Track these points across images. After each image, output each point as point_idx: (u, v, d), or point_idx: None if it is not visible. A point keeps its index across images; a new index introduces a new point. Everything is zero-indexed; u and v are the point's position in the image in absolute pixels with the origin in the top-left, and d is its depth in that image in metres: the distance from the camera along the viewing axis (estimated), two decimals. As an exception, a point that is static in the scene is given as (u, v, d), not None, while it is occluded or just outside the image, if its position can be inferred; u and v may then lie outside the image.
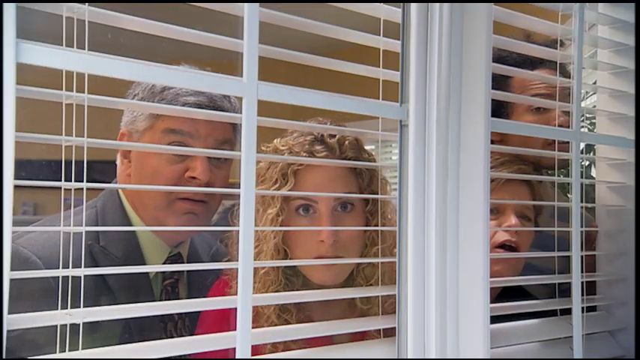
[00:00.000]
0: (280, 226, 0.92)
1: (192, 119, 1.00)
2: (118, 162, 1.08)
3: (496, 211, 1.11)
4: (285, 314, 0.94)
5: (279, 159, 0.94)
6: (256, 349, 0.82)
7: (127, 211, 1.04)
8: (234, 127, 1.07)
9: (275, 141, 0.98)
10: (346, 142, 0.96)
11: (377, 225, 0.95)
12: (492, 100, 1.12)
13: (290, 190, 0.92)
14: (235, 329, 0.68)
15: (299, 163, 0.93)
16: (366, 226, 0.96)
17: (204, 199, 1.02)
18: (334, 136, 0.95)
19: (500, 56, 1.17)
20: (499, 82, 1.22)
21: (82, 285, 0.64)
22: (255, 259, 0.92)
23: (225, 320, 0.83)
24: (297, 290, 0.94)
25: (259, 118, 0.69)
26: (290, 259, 0.94)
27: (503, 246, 1.09)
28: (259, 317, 0.93)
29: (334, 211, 0.94)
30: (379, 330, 0.88)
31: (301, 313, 0.96)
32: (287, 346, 0.88)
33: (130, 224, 1.04)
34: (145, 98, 1.01)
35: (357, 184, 0.96)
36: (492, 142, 1.27)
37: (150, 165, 1.01)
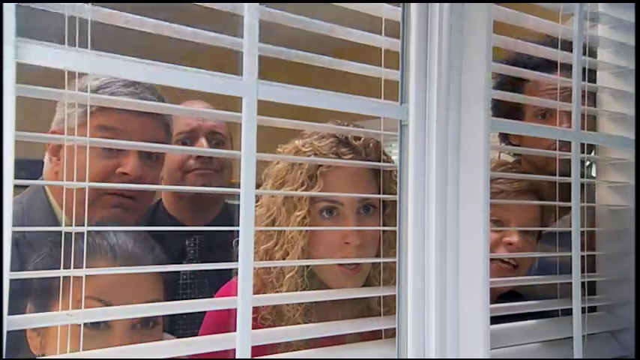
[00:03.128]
0: (306, 230, 0.92)
1: (125, 117, 1.02)
2: (45, 160, 1.08)
3: (500, 224, 1.09)
4: (309, 317, 0.94)
5: (287, 159, 0.93)
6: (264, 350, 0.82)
7: (53, 207, 1.05)
8: (167, 130, 1.10)
9: (296, 142, 0.97)
10: (371, 145, 0.96)
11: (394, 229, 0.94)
12: (505, 103, 1.13)
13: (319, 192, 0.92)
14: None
15: (326, 164, 0.92)
16: (383, 231, 0.95)
17: (133, 195, 1.04)
18: (358, 138, 0.95)
19: (519, 60, 1.17)
20: (515, 86, 1.22)
21: (83, 283, 0.64)
22: (279, 258, 0.93)
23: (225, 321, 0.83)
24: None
25: (259, 118, 0.69)
26: (309, 271, 0.94)
27: (502, 261, 1.08)
28: (282, 318, 0.93)
29: (358, 213, 0.94)
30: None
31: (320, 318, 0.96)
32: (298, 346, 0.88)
33: (55, 220, 1.04)
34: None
35: (378, 187, 0.96)
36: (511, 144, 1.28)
37: (80, 161, 1.00)
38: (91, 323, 0.73)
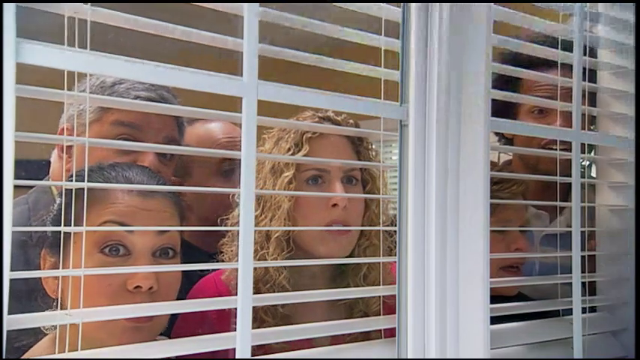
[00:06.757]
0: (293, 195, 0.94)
1: (144, 113, 1.00)
2: (53, 158, 1.06)
3: (505, 231, 1.10)
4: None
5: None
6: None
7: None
8: (179, 128, 1.09)
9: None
10: (350, 121, 1.00)
11: (375, 207, 0.98)
12: (498, 100, 1.13)
13: (304, 157, 0.94)
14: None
15: (312, 132, 0.95)
16: (365, 208, 0.98)
17: None
18: (339, 114, 0.99)
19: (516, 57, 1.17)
20: (510, 82, 1.22)
21: (82, 284, 0.64)
22: (266, 225, 0.93)
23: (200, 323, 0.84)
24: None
25: (259, 118, 0.69)
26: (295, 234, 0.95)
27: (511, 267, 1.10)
28: (267, 281, 0.94)
29: (341, 182, 0.96)
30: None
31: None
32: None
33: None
34: (94, 92, 1.00)
35: (358, 159, 1.00)
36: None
37: (96, 157, 0.96)
38: (109, 250, 0.75)
